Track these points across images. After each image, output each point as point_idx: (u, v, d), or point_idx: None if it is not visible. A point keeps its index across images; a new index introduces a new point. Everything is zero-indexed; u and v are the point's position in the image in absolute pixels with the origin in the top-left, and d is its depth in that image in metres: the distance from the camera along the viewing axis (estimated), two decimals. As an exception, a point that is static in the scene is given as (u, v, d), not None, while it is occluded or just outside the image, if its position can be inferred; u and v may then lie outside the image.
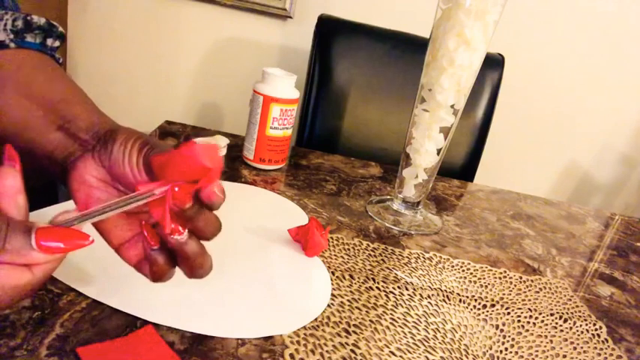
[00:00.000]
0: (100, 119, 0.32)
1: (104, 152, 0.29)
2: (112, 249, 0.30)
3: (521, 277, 0.53)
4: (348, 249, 0.51)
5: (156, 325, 0.33)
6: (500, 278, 0.52)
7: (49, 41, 0.36)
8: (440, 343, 0.39)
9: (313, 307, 0.39)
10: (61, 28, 0.37)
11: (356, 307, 0.41)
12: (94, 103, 0.34)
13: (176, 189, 0.25)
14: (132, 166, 0.28)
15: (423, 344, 0.38)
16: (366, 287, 0.44)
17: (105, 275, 0.37)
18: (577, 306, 0.50)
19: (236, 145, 0.73)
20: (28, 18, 0.34)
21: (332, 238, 0.52)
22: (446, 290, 0.47)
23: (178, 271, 0.30)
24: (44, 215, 0.42)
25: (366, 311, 0.41)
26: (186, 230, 0.27)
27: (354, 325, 0.38)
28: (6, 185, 0.22)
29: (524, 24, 1.31)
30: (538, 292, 0.51)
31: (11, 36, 0.32)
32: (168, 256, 0.29)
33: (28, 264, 0.21)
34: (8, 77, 0.31)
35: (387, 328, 0.39)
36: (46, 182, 1.18)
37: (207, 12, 1.29)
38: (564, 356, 0.41)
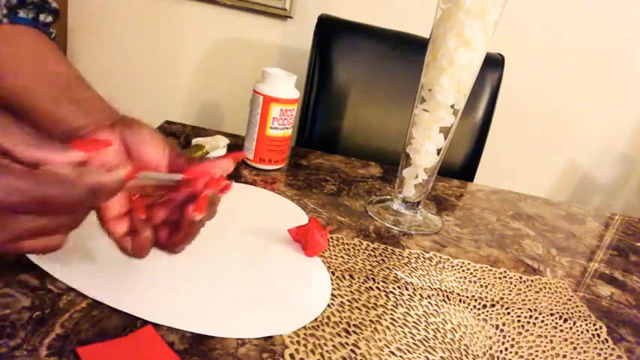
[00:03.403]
0: (112, 107, 0.35)
1: (128, 130, 0.32)
2: (103, 231, 0.32)
3: (521, 277, 0.53)
4: (348, 249, 0.51)
5: (156, 325, 0.33)
6: (500, 278, 0.52)
7: (42, 16, 0.37)
8: (440, 343, 0.39)
9: (313, 307, 0.39)
10: (54, 4, 0.38)
11: (356, 307, 0.41)
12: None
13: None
14: (157, 149, 0.32)
15: (423, 344, 0.38)
16: (366, 287, 0.44)
17: (105, 275, 0.37)
18: (577, 306, 0.50)
19: (236, 145, 0.73)
20: None
21: (332, 238, 0.52)
22: (446, 290, 0.47)
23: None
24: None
25: (366, 311, 0.41)
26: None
27: (354, 325, 0.38)
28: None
29: (524, 24, 1.31)
30: (538, 292, 0.51)
31: (4, 11, 0.33)
32: (153, 231, 0.32)
33: (72, 162, 0.26)
34: (23, 51, 0.33)
35: (387, 328, 0.39)
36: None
37: (207, 12, 1.29)
38: (564, 356, 0.41)
